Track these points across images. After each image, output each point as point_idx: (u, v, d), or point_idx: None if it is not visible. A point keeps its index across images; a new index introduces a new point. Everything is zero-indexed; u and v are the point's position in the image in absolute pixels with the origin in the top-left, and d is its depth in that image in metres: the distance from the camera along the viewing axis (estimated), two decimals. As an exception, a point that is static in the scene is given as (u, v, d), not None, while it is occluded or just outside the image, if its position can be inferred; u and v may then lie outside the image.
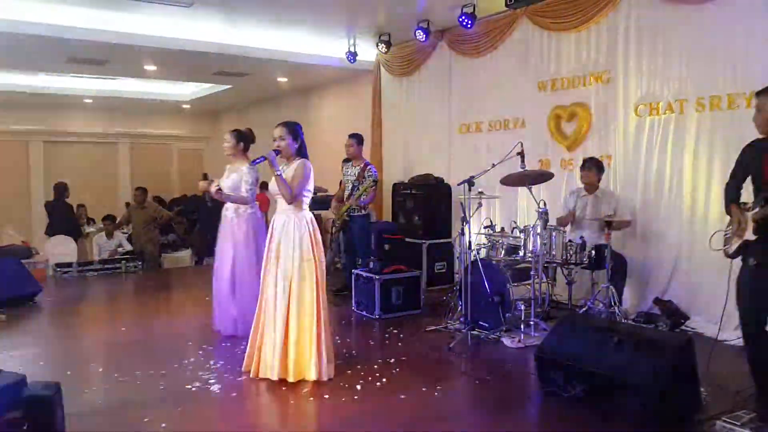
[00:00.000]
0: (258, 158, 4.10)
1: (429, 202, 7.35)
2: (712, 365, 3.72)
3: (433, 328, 5.23)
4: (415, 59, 8.13)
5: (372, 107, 9.05)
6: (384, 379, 4.02)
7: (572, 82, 6.24)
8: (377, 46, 8.15)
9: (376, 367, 4.26)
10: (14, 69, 10.05)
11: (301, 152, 4.13)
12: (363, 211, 6.53)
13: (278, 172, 3.97)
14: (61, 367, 4.32)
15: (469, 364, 4.42)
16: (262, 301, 4.05)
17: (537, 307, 5.03)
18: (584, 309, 5.07)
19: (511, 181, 5.24)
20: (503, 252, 5.24)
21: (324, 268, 4.11)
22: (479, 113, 7.36)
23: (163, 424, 3.32)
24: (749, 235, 3.25)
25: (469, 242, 5.17)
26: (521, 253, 5.09)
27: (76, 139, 14.07)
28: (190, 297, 6.97)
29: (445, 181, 7.49)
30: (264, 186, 11.03)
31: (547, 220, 5.01)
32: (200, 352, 4.63)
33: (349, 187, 6.53)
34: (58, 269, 8.36)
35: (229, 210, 5.10)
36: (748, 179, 3.46)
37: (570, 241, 5.20)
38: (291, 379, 3.89)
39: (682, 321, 5.09)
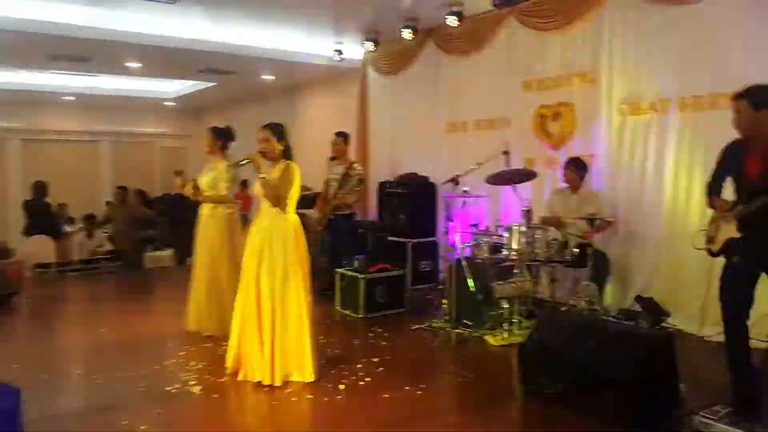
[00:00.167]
0: (243, 160, 4.06)
1: (415, 201, 7.35)
2: (691, 361, 3.75)
3: (418, 326, 5.22)
4: (403, 58, 8.11)
5: (359, 106, 9.02)
6: (368, 379, 4.00)
7: (557, 81, 6.26)
8: (364, 44, 8.12)
9: (359, 366, 4.24)
10: (-7, 65, 9.88)
11: (287, 154, 4.09)
12: (348, 210, 6.49)
13: (261, 175, 3.93)
14: (37, 370, 4.24)
15: (452, 363, 4.41)
16: (242, 301, 4.00)
17: (520, 305, 5.03)
18: (567, 306, 5.09)
19: (495, 180, 5.25)
20: (487, 250, 5.24)
21: (309, 269, 4.08)
22: (465, 112, 7.37)
23: (143, 427, 3.27)
24: (733, 233, 3.27)
25: (454, 241, 5.17)
26: (505, 252, 5.09)
27: (56, 137, 13.84)
28: (171, 297, 6.87)
29: (431, 180, 7.48)
30: (245, 185, 10.94)
31: (531, 219, 5.02)
32: (181, 353, 4.58)
33: (335, 186, 6.50)
34: (37, 270, 8.23)
35: (205, 209, 5.04)
36: (729, 178, 3.48)
37: (553, 239, 5.22)
38: (277, 383, 3.84)
39: (663, 318, 5.11)
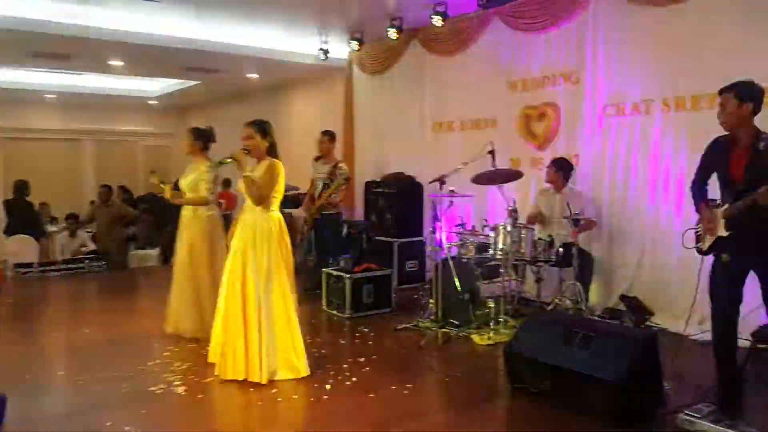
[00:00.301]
0: (225, 159, 4.02)
1: (401, 201, 7.35)
2: (676, 360, 3.79)
3: (404, 326, 5.22)
4: (388, 57, 8.11)
5: (344, 105, 9.00)
6: (354, 379, 4.00)
7: (542, 82, 6.30)
8: (349, 43, 8.11)
9: (345, 366, 4.24)
10: (-28, 63, 9.74)
11: (272, 151, 4.07)
12: (334, 210, 6.48)
13: (245, 174, 3.91)
14: (20, 371, 4.18)
15: (439, 362, 4.42)
16: (225, 299, 3.98)
17: (506, 304, 5.06)
18: (552, 306, 5.13)
19: (481, 180, 5.27)
20: (474, 250, 5.26)
21: (292, 268, 4.07)
22: (451, 112, 7.39)
23: (127, 427, 3.24)
24: (721, 232, 3.31)
25: (441, 240, 5.17)
26: (491, 251, 5.11)
27: (37, 136, 13.67)
28: (155, 297, 6.78)
29: (417, 180, 7.49)
30: (227, 184, 10.86)
31: (516, 219, 5.05)
32: (165, 354, 4.54)
33: (320, 186, 6.48)
34: (19, 270, 8.11)
35: (186, 210, 4.99)
36: (714, 176, 3.51)
37: (539, 239, 5.25)
38: (264, 380, 3.83)
39: (647, 317, 5.18)
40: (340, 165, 6.49)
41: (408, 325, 5.22)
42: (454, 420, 3.49)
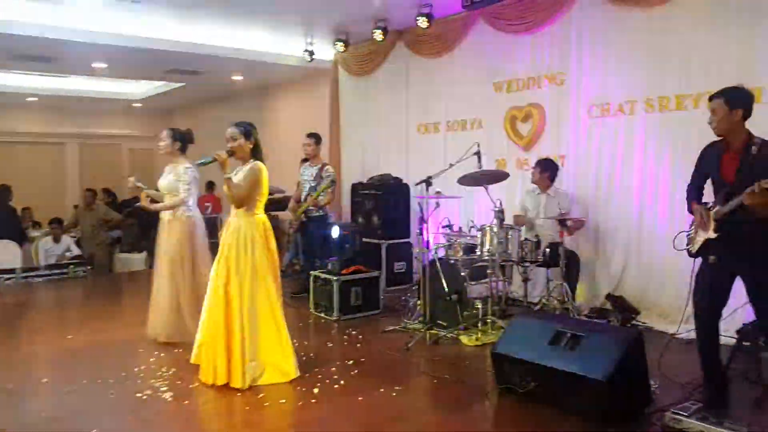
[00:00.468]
0: (206, 159, 3.98)
1: (388, 203, 7.34)
2: (662, 358, 3.81)
3: (392, 328, 5.22)
4: (374, 59, 8.10)
5: (330, 107, 8.98)
6: (342, 381, 3.98)
7: (527, 83, 6.33)
8: (335, 45, 8.09)
9: (333, 369, 4.22)
10: (-48, 65, 9.58)
11: (256, 154, 4.04)
12: (320, 212, 6.46)
13: (227, 176, 3.88)
14: (2, 379, 4.11)
15: (427, 364, 4.42)
16: (208, 305, 3.96)
17: (494, 305, 5.07)
18: (539, 306, 5.14)
19: (467, 181, 5.27)
20: (461, 251, 5.26)
21: (278, 271, 4.05)
22: (437, 113, 7.40)
23: (112, 434, 3.20)
24: (710, 234, 3.33)
25: (428, 242, 5.17)
26: (478, 252, 5.12)
27: (19, 139, 13.50)
28: (140, 302, 6.69)
29: (404, 181, 7.49)
30: (211, 186, 10.79)
31: (503, 219, 5.07)
32: (151, 359, 4.49)
33: (307, 188, 6.46)
34: (1, 276, 7.99)
35: (166, 213, 4.95)
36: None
37: (525, 239, 5.27)
38: (245, 386, 3.81)
39: (633, 316, 5.21)
40: (327, 167, 6.47)
41: (396, 327, 5.22)
42: (442, 421, 3.48)
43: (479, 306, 5.08)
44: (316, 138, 6.59)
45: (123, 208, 10.47)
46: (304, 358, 4.41)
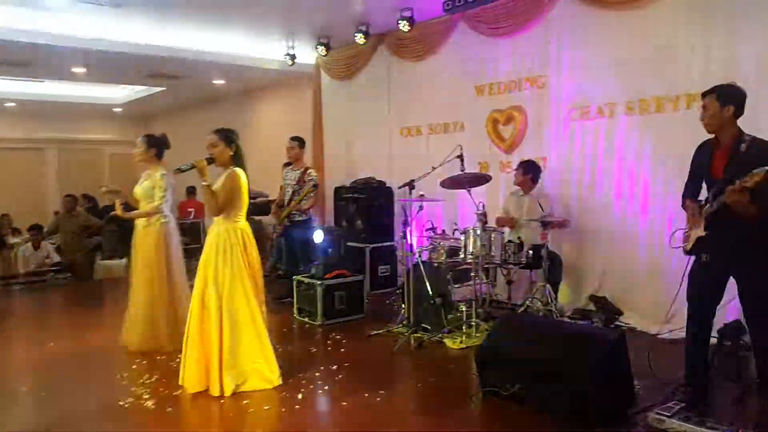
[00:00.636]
0: (184, 165, 3.94)
1: (371, 206, 7.34)
2: (645, 358, 3.84)
3: (376, 332, 5.20)
4: (355, 63, 8.10)
5: (313, 111, 8.96)
6: (326, 387, 3.97)
7: (508, 86, 6.36)
8: (317, 48, 8.07)
9: (318, 374, 4.20)
10: (-73, 71, 9.41)
11: (236, 160, 4.01)
12: (304, 216, 6.43)
13: (205, 183, 3.85)
14: (-20, 389, 4.05)
15: (411, 367, 4.41)
16: (193, 313, 3.92)
17: (478, 307, 5.08)
18: (523, 308, 5.17)
19: (450, 183, 5.29)
20: (445, 254, 5.27)
21: (261, 277, 4.03)
22: (420, 117, 7.41)
23: (93, 444, 3.16)
24: (700, 232, 3.36)
25: (411, 245, 5.17)
26: (462, 255, 5.13)
27: (-3, 145, 13.33)
28: (122, 309, 6.61)
29: (387, 185, 7.50)
30: (193, 191, 10.67)
31: (486, 222, 5.08)
32: (134, 367, 4.43)
33: (290, 192, 6.43)
34: (-21, 283, 7.87)
35: (141, 220, 4.89)
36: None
37: (509, 241, 5.29)
38: (227, 393, 3.77)
39: (616, 316, 5.25)
40: (310, 171, 6.44)
41: (380, 331, 5.20)
42: (428, 424, 3.48)
43: (463, 309, 5.09)
44: (299, 141, 6.56)
45: (105, 213, 10.33)
46: (288, 364, 4.38)
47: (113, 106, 12.95)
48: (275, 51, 8.31)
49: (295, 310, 5.94)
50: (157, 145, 4.96)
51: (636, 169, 5.33)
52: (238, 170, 3.94)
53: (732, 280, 3.41)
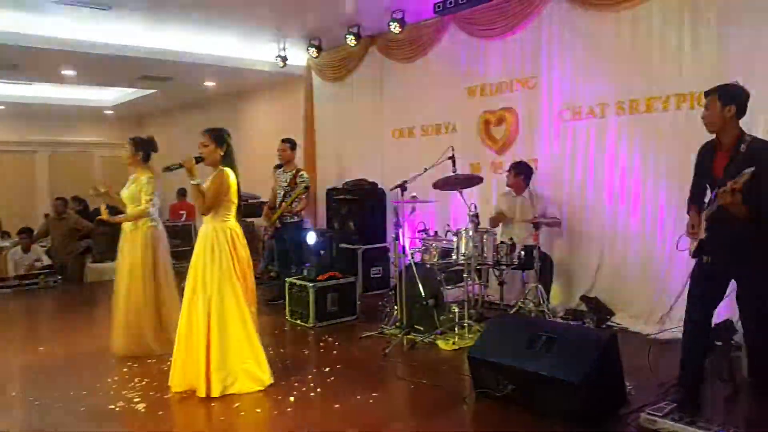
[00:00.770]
0: (173, 165, 3.92)
1: (363, 207, 7.33)
2: (638, 359, 3.85)
3: (369, 334, 5.19)
4: (347, 64, 8.10)
5: (304, 112, 8.94)
6: (318, 389, 3.95)
7: (500, 87, 6.37)
8: (308, 50, 8.06)
9: (310, 377, 4.18)
10: None
11: (227, 160, 4.00)
12: (295, 218, 6.41)
13: (193, 182, 3.84)
14: (-31, 394, 4.01)
15: (404, 369, 4.41)
16: (183, 314, 3.90)
17: (470, 308, 5.08)
18: (515, 308, 5.17)
19: (442, 185, 5.29)
20: (437, 255, 5.27)
21: (251, 280, 4.02)
22: (411, 118, 7.41)
23: (83, 449, 3.13)
24: (702, 234, 3.36)
25: (404, 247, 5.16)
26: (454, 256, 5.13)
27: (-14, 148, 13.23)
28: (113, 312, 6.63)
29: (379, 186, 7.49)
30: (184, 193, 10.62)
31: (478, 223, 5.08)
32: (124, 370, 4.41)
33: (281, 194, 6.41)
34: (-31, 287, 7.80)
35: (128, 223, 4.86)
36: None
37: (501, 242, 5.30)
38: (215, 395, 3.75)
39: (608, 317, 5.27)
40: (301, 173, 6.43)
41: (373, 333, 5.19)
42: (420, 426, 3.47)
43: (456, 310, 5.08)
44: (291, 143, 6.55)
45: (96, 216, 10.27)
46: (280, 366, 4.36)
47: (104, 108, 12.89)
48: (266, 53, 8.29)
49: (287, 312, 5.92)
50: (144, 148, 4.93)
51: (627, 169, 5.34)
52: (227, 169, 3.93)
53: (732, 282, 3.41)
